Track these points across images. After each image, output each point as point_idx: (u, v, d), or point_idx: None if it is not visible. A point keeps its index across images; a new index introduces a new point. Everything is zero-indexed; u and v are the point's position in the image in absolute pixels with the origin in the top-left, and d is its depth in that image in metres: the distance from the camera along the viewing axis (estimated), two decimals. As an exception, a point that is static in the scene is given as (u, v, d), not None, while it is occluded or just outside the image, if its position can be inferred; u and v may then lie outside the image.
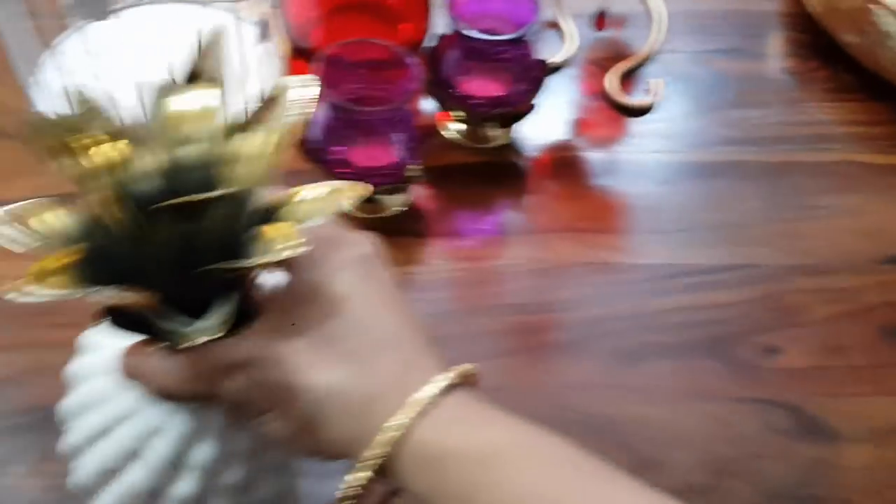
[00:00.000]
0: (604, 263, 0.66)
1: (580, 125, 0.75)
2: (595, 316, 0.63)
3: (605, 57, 0.80)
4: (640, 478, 0.55)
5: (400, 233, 0.67)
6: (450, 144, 0.72)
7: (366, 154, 0.62)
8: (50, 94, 0.65)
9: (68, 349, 0.58)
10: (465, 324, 0.62)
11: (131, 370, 0.40)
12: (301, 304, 0.37)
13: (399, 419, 0.35)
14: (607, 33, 0.81)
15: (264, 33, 0.62)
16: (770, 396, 0.60)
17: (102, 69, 0.59)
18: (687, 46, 0.81)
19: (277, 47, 0.71)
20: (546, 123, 0.74)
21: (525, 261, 0.66)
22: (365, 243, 0.40)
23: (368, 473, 0.35)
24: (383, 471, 0.35)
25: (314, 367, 0.36)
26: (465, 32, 0.62)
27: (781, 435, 0.58)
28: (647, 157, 0.73)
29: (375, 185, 0.62)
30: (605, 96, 0.77)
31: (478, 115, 0.68)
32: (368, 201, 0.66)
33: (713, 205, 0.70)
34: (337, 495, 0.36)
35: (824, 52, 0.81)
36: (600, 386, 0.59)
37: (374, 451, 0.35)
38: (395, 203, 0.67)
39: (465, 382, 0.37)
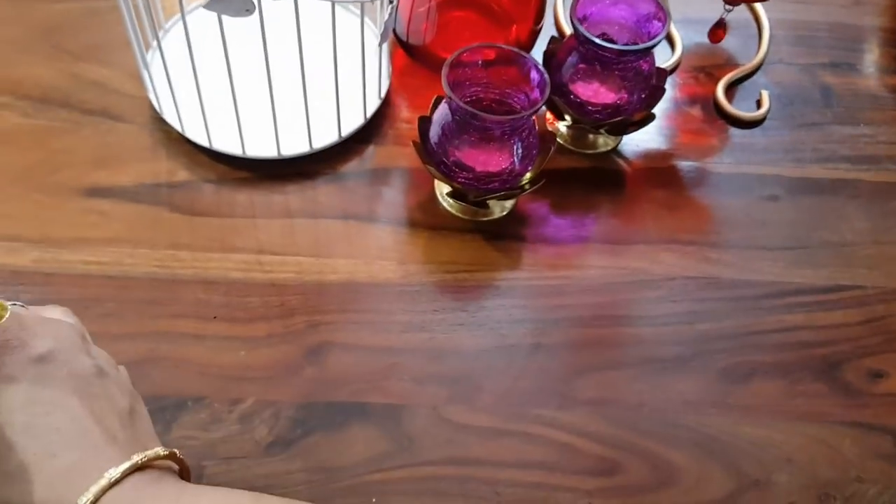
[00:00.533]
0: (710, 278, 0.65)
1: (684, 134, 0.75)
2: (702, 332, 0.62)
3: (709, 65, 0.79)
4: (745, 497, 0.55)
5: (502, 236, 0.67)
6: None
7: (484, 159, 0.62)
8: (163, 80, 0.65)
9: (182, 339, 0.60)
10: (566, 333, 0.62)
11: None
12: None
13: None
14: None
15: (385, 33, 0.62)
16: (874, 421, 0.60)
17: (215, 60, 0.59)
18: (791, 58, 0.80)
19: (389, 44, 0.71)
20: (650, 131, 0.73)
21: (629, 271, 0.66)
22: (39, 343, 0.41)
23: None
24: None
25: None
26: (594, 40, 0.62)
27: (883, 460, 0.58)
28: (753, 169, 0.72)
29: (490, 191, 0.62)
30: (713, 106, 0.76)
31: (593, 122, 0.68)
32: (475, 204, 0.66)
33: (819, 223, 0.69)
34: None
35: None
36: (708, 404, 0.59)
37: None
38: (500, 207, 0.68)
39: (148, 467, 0.40)
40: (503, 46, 0.63)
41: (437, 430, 0.57)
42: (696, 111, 0.76)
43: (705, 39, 0.80)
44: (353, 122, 0.69)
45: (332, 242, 0.65)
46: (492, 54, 0.63)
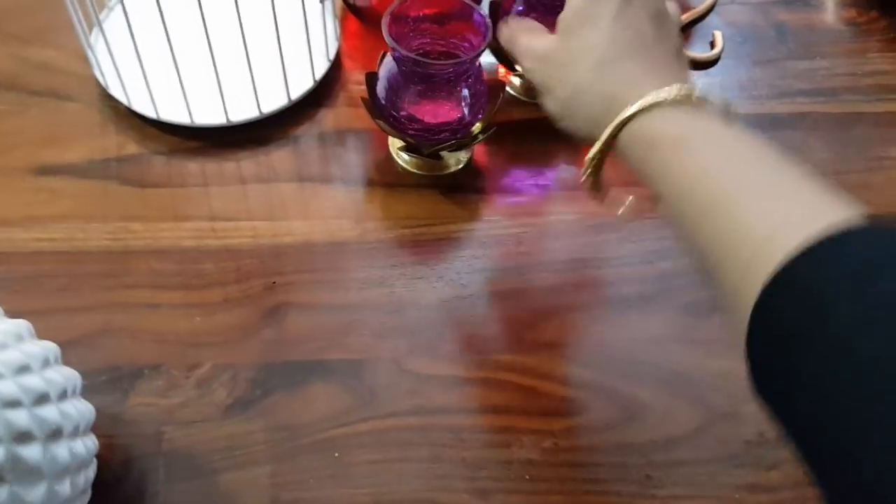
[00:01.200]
0: (669, 217, 0.65)
1: (639, 79, 0.74)
2: (664, 270, 0.62)
3: (662, 10, 0.78)
4: (713, 429, 0.55)
5: (460, 189, 0.66)
6: (508, 100, 0.71)
7: (433, 110, 0.61)
8: (107, 57, 0.65)
9: (137, 309, 0.59)
10: (527, 279, 0.62)
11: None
12: (574, 22, 0.49)
13: (625, 111, 0.45)
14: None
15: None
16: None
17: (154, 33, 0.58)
18: (745, -2, 0.80)
19: (333, 4, 0.70)
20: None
21: (587, 216, 0.65)
22: None
23: (600, 147, 0.47)
24: (611, 148, 0.47)
25: (572, 68, 0.49)
26: None
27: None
28: (709, 110, 0.71)
29: (442, 141, 0.62)
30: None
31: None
32: (430, 157, 0.66)
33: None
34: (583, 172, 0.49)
35: (881, 2, 0.80)
36: (671, 340, 0.59)
37: (606, 132, 0.46)
38: (455, 160, 0.67)
39: (688, 101, 0.44)
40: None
41: (399, 383, 0.57)
42: (651, 56, 0.75)
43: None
44: (302, 85, 0.69)
45: (287, 205, 0.65)
46: (434, 4, 0.62)
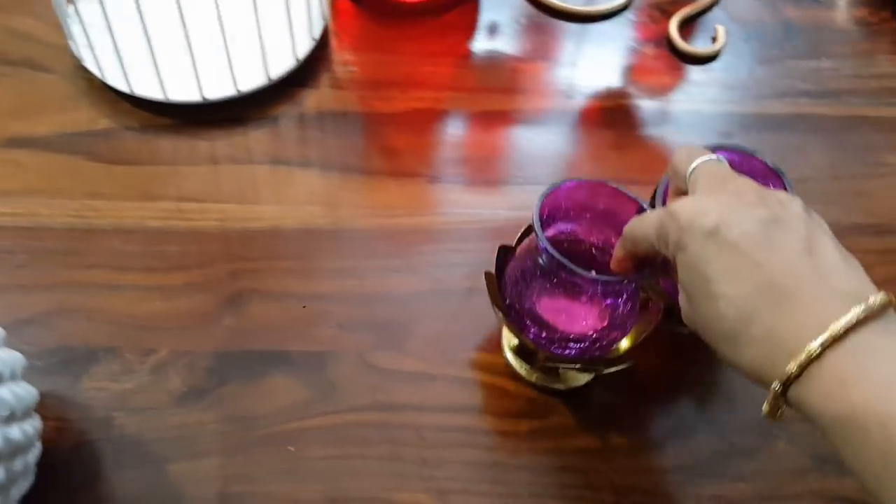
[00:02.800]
0: (656, 217, 0.62)
1: (637, 72, 0.71)
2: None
3: (664, 2, 0.76)
4: (683, 438, 0.52)
5: (440, 180, 0.64)
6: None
7: (565, 315, 0.51)
8: (81, 27, 0.62)
9: (96, 290, 0.57)
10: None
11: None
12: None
13: (803, 354, 0.35)
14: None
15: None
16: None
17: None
18: (752, -8, 0.77)
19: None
20: (601, 70, 0.70)
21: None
22: (706, 219, 0.39)
23: (775, 399, 0.36)
24: (787, 396, 0.36)
25: (727, 287, 0.37)
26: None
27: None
28: (707, 107, 0.69)
29: (564, 358, 0.52)
30: (666, 42, 0.72)
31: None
32: (540, 370, 0.55)
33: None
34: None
35: (894, 2, 0.77)
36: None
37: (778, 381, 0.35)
38: (574, 377, 0.55)
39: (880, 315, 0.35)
40: (621, 190, 0.50)
41: (361, 377, 0.54)
42: (649, 49, 0.73)
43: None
44: (283, 63, 0.66)
45: (259, 189, 0.62)
46: (598, 191, 0.50)
